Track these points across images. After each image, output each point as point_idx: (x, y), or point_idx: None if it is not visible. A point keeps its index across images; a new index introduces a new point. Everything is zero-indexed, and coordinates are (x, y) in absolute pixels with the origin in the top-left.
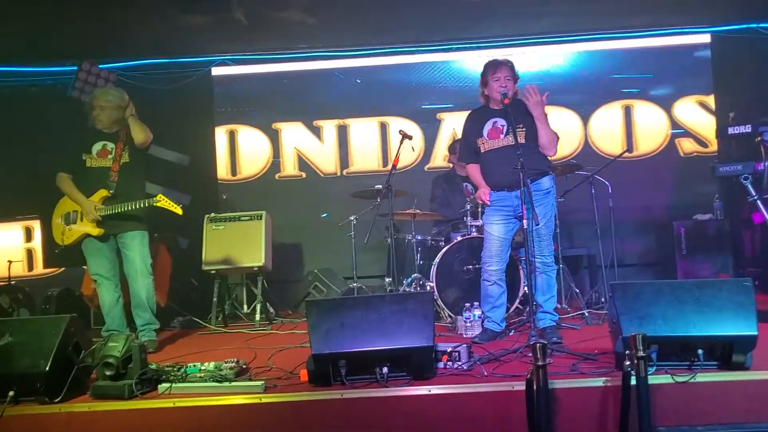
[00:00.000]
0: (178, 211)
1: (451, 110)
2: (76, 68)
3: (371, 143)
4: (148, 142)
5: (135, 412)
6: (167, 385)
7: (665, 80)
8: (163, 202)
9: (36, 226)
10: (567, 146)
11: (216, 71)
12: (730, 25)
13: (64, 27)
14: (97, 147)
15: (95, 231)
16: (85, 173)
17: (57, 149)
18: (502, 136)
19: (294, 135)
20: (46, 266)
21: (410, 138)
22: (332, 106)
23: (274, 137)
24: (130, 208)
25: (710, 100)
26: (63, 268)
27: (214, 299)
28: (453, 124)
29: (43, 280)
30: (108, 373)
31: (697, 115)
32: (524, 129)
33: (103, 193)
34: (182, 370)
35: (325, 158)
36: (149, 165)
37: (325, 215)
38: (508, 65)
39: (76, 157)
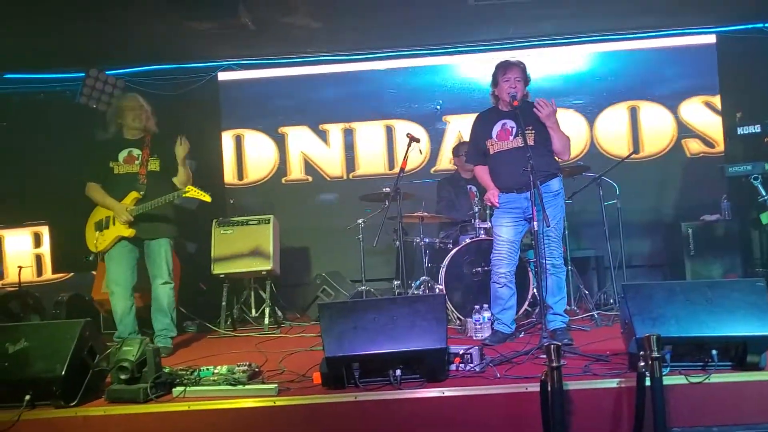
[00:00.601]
0: (207, 198)
1: (456, 113)
2: (83, 75)
3: (377, 147)
4: (186, 185)
5: (150, 415)
6: (181, 388)
7: (671, 81)
8: (193, 191)
9: (44, 231)
10: (573, 148)
11: (222, 76)
12: (736, 25)
13: (70, 33)
14: (123, 154)
15: (127, 232)
16: (113, 180)
17: (66, 155)
18: (511, 137)
19: (300, 139)
20: (55, 271)
21: (418, 141)
22: (338, 110)
23: (281, 141)
24: (161, 202)
25: (716, 100)
26: (72, 273)
27: (223, 303)
28: (459, 126)
29: (53, 285)
30: (123, 377)
31: (703, 115)
32: (533, 131)
33: (134, 195)
34: (195, 373)
35: (331, 162)
36: None
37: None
38: (519, 66)
39: (103, 165)
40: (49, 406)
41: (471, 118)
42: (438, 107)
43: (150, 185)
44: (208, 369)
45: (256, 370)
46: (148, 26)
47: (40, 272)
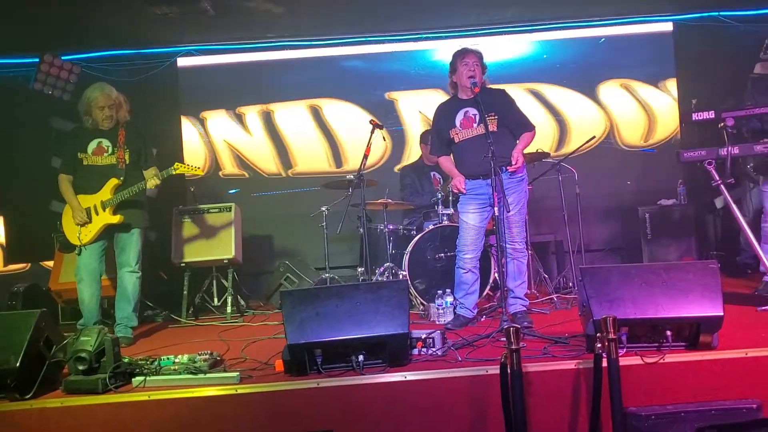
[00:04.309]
0: (200, 172)
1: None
2: (38, 60)
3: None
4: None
5: (109, 406)
6: (141, 378)
7: (629, 68)
8: (182, 168)
9: None
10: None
11: (182, 62)
12: (692, 13)
13: (25, 17)
14: (92, 145)
15: (115, 219)
16: (84, 171)
17: (21, 144)
18: (475, 125)
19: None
20: (10, 262)
21: (381, 127)
22: (300, 95)
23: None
24: (144, 186)
25: (673, 87)
26: (29, 264)
27: (185, 292)
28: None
29: (9, 276)
30: (80, 367)
31: (660, 102)
32: (496, 117)
33: (114, 182)
34: (156, 363)
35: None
36: None
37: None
38: (476, 53)
39: (72, 157)
40: (4, 399)
41: (433, 105)
42: None
43: (128, 170)
44: (168, 358)
45: (218, 358)
46: (107, 10)
47: None
